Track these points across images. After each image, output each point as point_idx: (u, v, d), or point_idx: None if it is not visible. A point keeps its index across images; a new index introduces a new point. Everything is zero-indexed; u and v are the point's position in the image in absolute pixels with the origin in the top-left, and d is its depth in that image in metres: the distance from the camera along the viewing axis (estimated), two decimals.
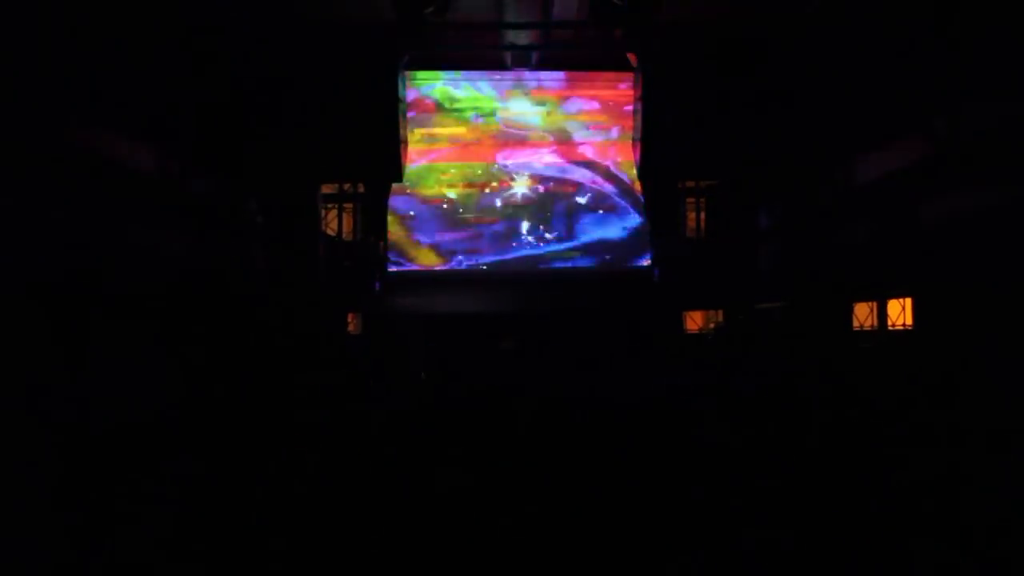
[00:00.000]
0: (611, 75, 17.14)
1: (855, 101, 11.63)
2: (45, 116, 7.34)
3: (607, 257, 17.50)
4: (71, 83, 7.84)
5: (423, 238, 17.19)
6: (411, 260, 17.14)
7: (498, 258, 17.31)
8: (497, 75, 17.11)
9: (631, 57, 15.78)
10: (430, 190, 17.22)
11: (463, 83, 17.18)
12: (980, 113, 8.07)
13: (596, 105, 17.43)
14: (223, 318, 11.22)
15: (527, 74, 17.07)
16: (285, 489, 6.22)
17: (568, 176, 17.52)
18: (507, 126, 17.33)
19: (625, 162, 17.25)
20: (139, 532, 5.29)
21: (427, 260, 17.16)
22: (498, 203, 17.36)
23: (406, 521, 5.41)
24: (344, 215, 17.67)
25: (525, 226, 17.41)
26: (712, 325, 18.49)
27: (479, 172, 17.35)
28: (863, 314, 13.56)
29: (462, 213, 17.27)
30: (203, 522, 5.59)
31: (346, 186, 17.52)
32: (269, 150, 12.85)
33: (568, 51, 16.55)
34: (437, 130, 17.19)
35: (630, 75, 16.35)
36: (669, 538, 5.33)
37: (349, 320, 16.88)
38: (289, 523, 5.56)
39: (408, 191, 17.00)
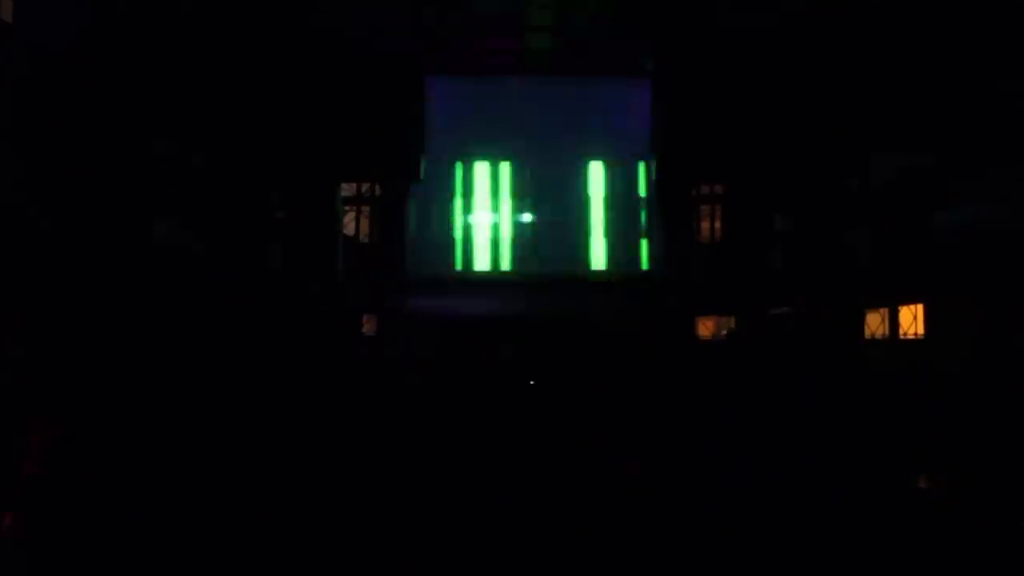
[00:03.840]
0: (627, 80, 17.27)
1: (868, 108, 11.71)
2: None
3: (620, 262, 17.60)
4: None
5: None
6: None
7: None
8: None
9: (647, 61, 15.92)
10: None
11: None
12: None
13: (611, 109, 17.57)
14: (244, 309, 11.40)
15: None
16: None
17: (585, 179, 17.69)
18: None
19: (640, 166, 17.36)
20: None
21: None
22: None
23: None
24: (361, 219, 17.85)
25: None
26: (724, 331, 18.51)
27: None
28: (875, 322, 13.60)
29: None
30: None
31: (364, 189, 17.72)
32: (294, 148, 13.05)
33: (584, 56, 16.70)
34: None
35: (646, 80, 16.48)
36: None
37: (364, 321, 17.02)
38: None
39: None
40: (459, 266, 17.35)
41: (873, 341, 13.40)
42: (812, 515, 5.83)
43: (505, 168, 17.67)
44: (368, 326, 17.50)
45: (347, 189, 17.25)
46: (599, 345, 16.23)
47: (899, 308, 12.98)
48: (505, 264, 17.52)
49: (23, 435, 5.17)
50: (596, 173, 17.70)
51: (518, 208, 17.65)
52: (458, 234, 17.52)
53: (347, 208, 17.40)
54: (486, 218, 17.58)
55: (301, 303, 13.92)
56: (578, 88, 17.52)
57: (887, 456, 7.35)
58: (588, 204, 17.71)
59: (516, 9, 13.69)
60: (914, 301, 12.23)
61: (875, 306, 13.32)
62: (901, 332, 13.02)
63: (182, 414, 8.46)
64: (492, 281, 17.21)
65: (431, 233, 17.39)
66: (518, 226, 17.62)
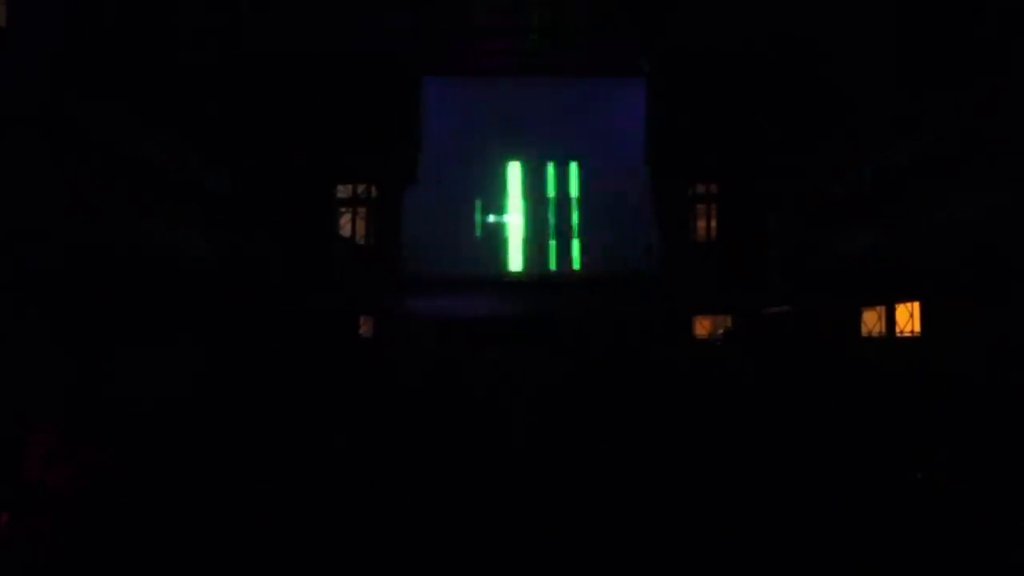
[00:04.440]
0: (622, 80, 17.33)
1: (862, 105, 11.75)
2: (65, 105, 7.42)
3: (617, 261, 17.63)
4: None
5: None
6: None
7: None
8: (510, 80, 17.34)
9: (642, 63, 15.97)
10: None
11: None
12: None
13: (607, 108, 17.62)
14: (241, 311, 11.39)
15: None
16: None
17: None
18: None
19: (636, 166, 17.39)
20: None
21: None
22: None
23: None
24: (357, 220, 17.85)
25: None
26: (721, 331, 18.54)
27: None
28: (872, 320, 13.63)
29: None
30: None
31: (360, 190, 17.72)
32: (290, 150, 13.06)
33: (580, 57, 16.76)
34: None
35: (641, 80, 16.53)
36: None
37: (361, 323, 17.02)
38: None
39: None
40: (456, 266, 17.36)
41: (870, 339, 13.43)
42: (812, 515, 5.84)
43: (500, 168, 17.70)
44: (365, 327, 17.50)
45: (343, 191, 17.26)
46: (597, 344, 16.25)
47: (895, 306, 13.01)
48: (503, 264, 17.55)
49: (24, 435, 5.16)
50: (592, 173, 17.74)
51: (515, 208, 17.68)
52: (456, 234, 17.53)
53: (343, 210, 17.41)
54: (483, 218, 17.60)
55: (298, 305, 13.90)
56: (576, 88, 17.56)
57: (886, 455, 7.36)
58: (586, 204, 17.76)
59: (513, 10, 13.73)
60: (911, 299, 12.26)
61: (872, 304, 13.36)
62: (898, 330, 13.05)
63: (181, 414, 8.45)
64: (489, 281, 17.23)
65: (428, 234, 17.38)
66: (514, 226, 17.65)
